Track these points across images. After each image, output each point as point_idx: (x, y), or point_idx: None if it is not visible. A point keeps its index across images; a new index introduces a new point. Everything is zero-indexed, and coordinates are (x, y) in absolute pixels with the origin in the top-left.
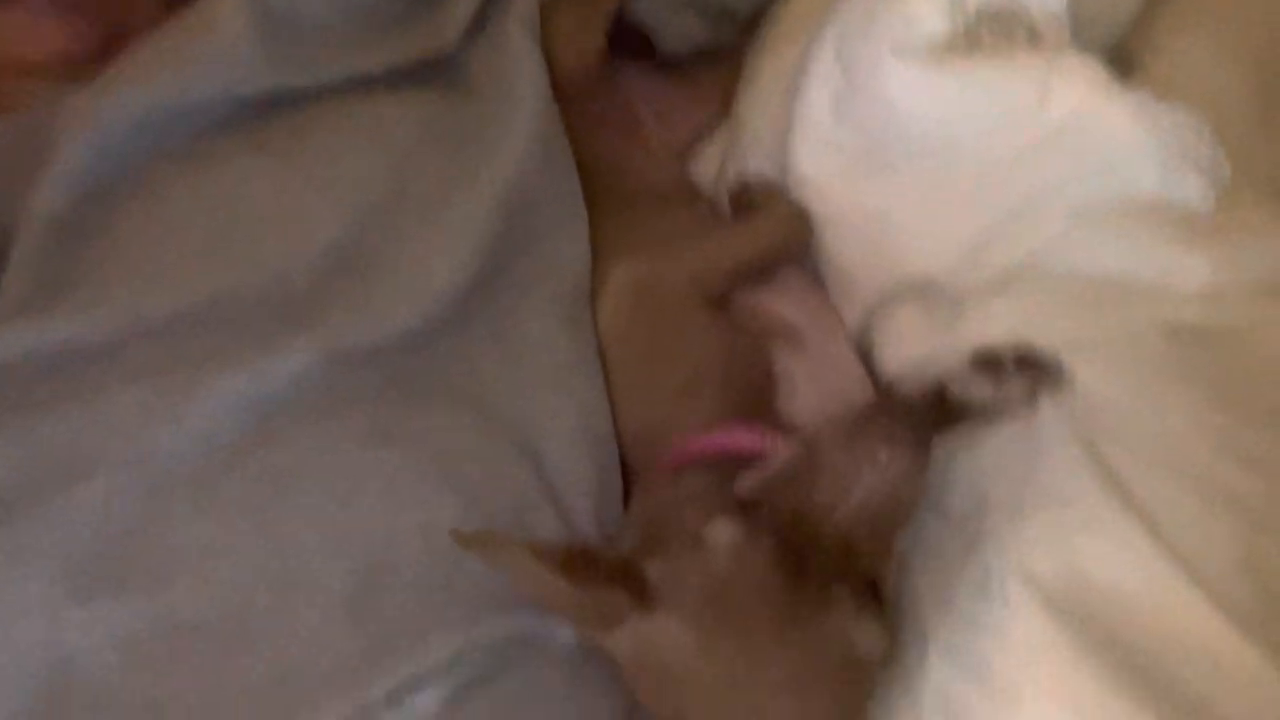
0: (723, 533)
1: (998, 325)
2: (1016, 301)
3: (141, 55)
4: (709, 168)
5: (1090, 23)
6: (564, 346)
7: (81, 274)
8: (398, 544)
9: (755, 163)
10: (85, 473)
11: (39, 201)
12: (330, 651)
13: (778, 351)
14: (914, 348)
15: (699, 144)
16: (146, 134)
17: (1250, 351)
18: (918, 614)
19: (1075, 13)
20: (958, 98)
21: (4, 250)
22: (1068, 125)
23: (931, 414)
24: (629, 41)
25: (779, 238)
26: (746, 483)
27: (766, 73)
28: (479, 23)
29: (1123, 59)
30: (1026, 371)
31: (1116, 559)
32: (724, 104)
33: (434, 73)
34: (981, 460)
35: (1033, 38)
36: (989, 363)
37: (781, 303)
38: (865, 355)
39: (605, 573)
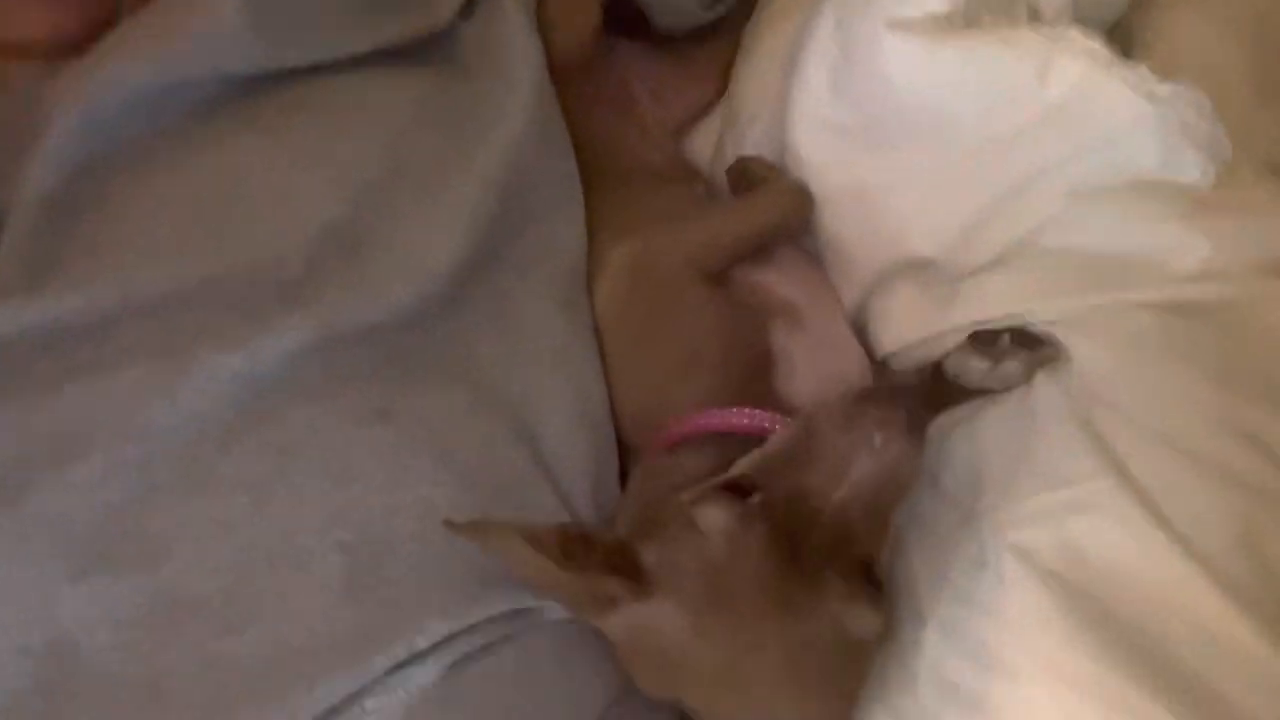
0: (717, 517)
1: (995, 303)
2: (1015, 279)
3: (132, 32)
4: (706, 146)
5: (1091, 1)
6: (560, 328)
7: (74, 252)
8: (394, 521)
9: (752, 141)
10: (80, 451)
11: (30, 179)
12: (327, 628)
13: (776, 330)
14: (912, 326)
15: (695, 122)
16: (138, 111)
17: (1248, 329)
18: (914, 591)
19: None
20: (957, 75)
21: None
22: (1068, 103)
23: (927, 395)
24: (624, 19)
25: (778, 214)
26: (743, 464)
27: (763, 50)
28: (472, 0)
29: (1123, 37)
30: (1023, 350)
31: (1113, 535)
32: (720, 82)
33: (428, 51)
34: (978, 437)
35: (1034, 15)
36: (986, 341)
37: (780, 281)
38: (862, 333)
39: (600, 557)
